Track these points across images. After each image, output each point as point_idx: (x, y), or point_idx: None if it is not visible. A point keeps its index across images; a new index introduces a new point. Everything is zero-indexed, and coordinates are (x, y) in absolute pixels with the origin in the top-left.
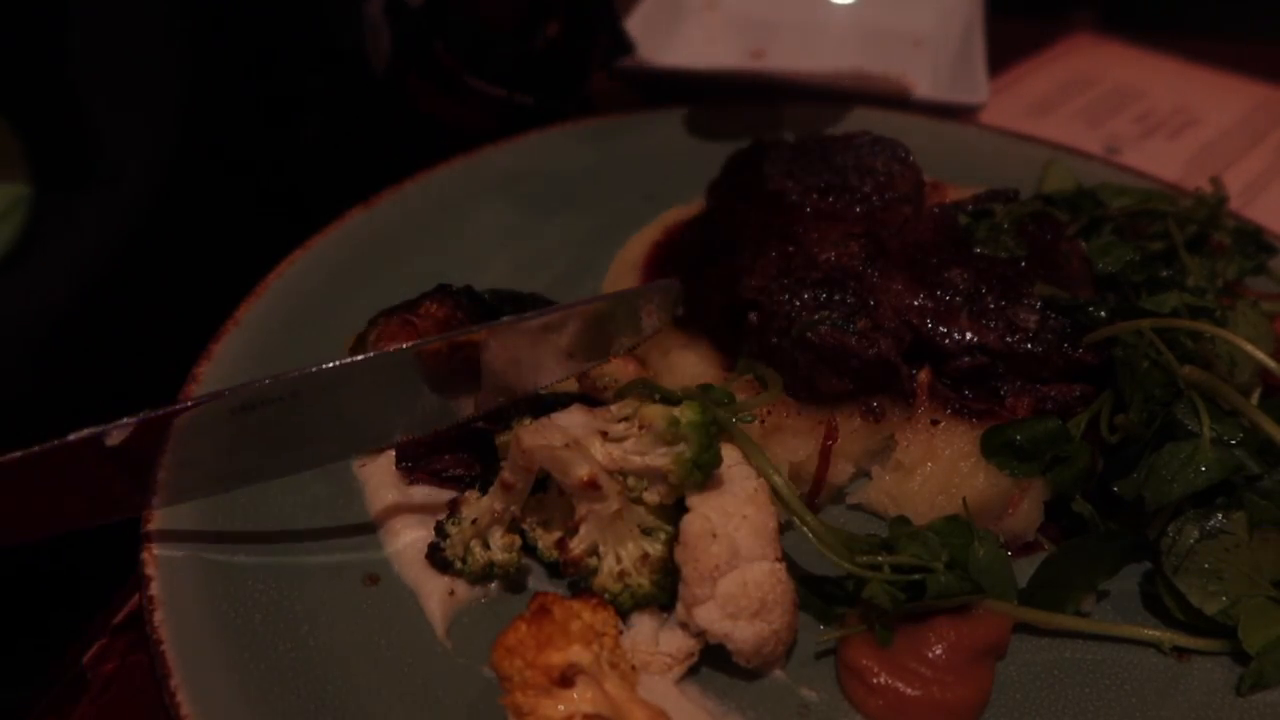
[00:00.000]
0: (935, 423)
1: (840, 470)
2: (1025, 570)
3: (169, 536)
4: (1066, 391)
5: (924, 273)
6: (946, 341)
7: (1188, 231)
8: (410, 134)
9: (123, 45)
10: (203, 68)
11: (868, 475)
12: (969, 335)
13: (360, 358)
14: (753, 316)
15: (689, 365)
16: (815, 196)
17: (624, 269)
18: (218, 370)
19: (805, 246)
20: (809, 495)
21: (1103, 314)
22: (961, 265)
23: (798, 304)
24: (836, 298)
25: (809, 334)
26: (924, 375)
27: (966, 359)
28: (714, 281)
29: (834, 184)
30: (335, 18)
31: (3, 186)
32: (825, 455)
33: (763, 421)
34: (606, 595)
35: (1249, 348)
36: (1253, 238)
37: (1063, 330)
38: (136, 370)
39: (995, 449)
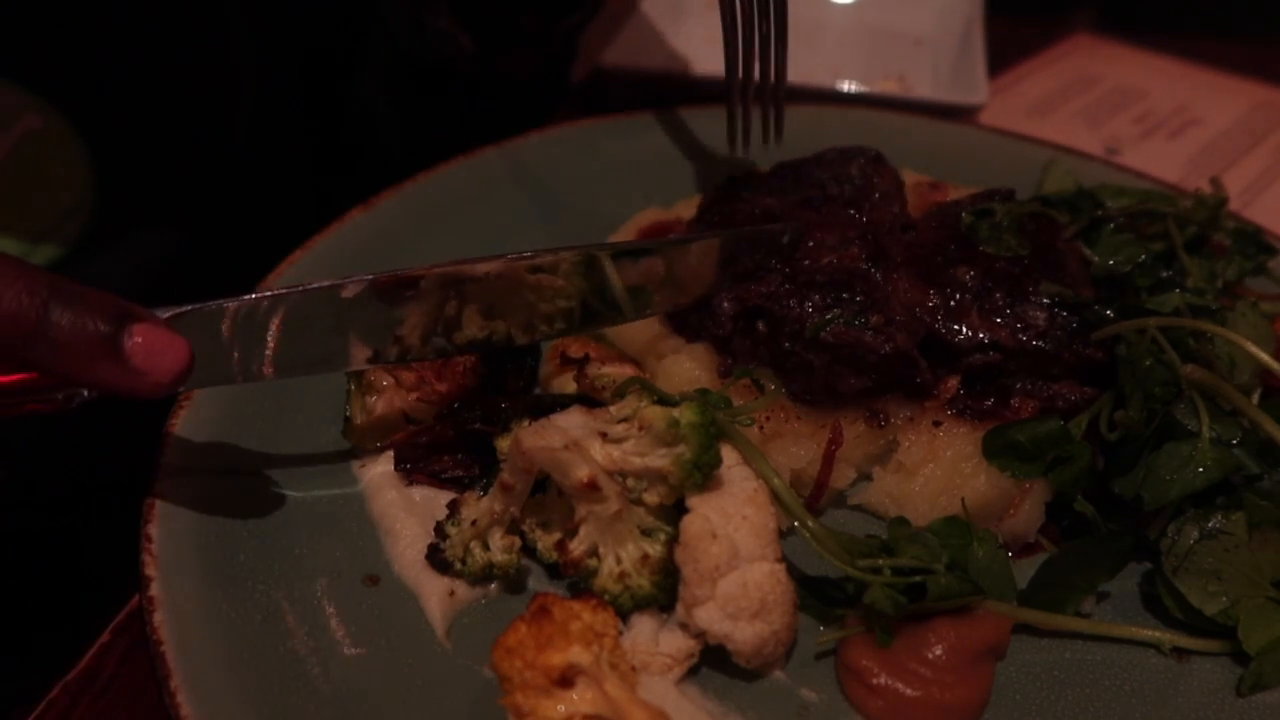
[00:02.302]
0: (937, 424)
1: (842, 475)
2: (1026, 572)
3: (169, 537)
4: (1076, 391)
5: (930, 271)
6: (959, 339)
7: (1187, 232)
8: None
9: (189, 63)
10: (260, 93)
11: (869, 477)
12: (981, 332)
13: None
14: (761, 325)
15: (683, 371)
16: (800, 210)
17: None
18: None
19: (806, 253)
20: (810, 499)
21: (1109, 312)
22: (968, 264)
23: (807, 307)
24: (845, 296)
25: (823, 334)
26: (953, 383)
27: (979, 356)
28: (722, 293)
29: (815, 197)
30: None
31: (67, 191)
32: (829, 459)
33: (761, 428)
34: (606, 596)
35: (1251, 348)
36: (1253, 239)
37: (1071, 327)
38: None
39: (997, 450)
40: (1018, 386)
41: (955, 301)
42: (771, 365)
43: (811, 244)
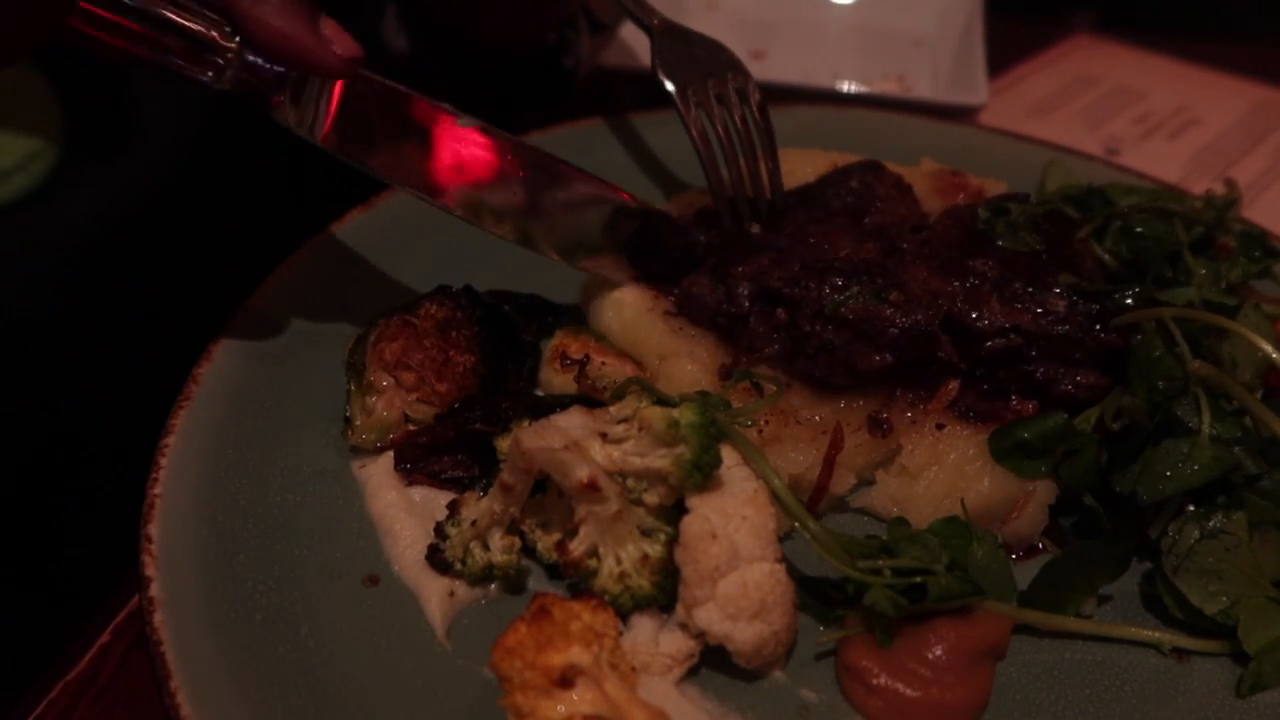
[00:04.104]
0: (940, 427)
1: (842, 480)
2: (1030, 574)
3: (169, 537)
4: (1097, 378)
5: (948, 263)
6: (983, 323)
7: (1193, 233)
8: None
9: None
10: None
11: (870, 482)
12: (1002, 317)
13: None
14: (780, 312)
15: (683, 374)
16: (807, 227)
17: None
18: (218, 370)
19: (824, 252)
20: (809, 503)
21: (1128, 301)
22: (985, 257)
23: (827, 290)
24: (865, 279)
25: (843, 309)
26: (953, 385)
27: (999, 340)
28: (742, 276)
29: (820, 215)
30: None
31: (31, 137)
32: (829, 464)
33: (760, 431)
34: (606, 596)
35: (1266, 345)
36: (1259, 242)
37: (1092, 313)
38: (136, 364)
39: (1004, 450)
40: (1039, 373)
41: (975, 289)
42: (789, 350)
43: (828, 246)
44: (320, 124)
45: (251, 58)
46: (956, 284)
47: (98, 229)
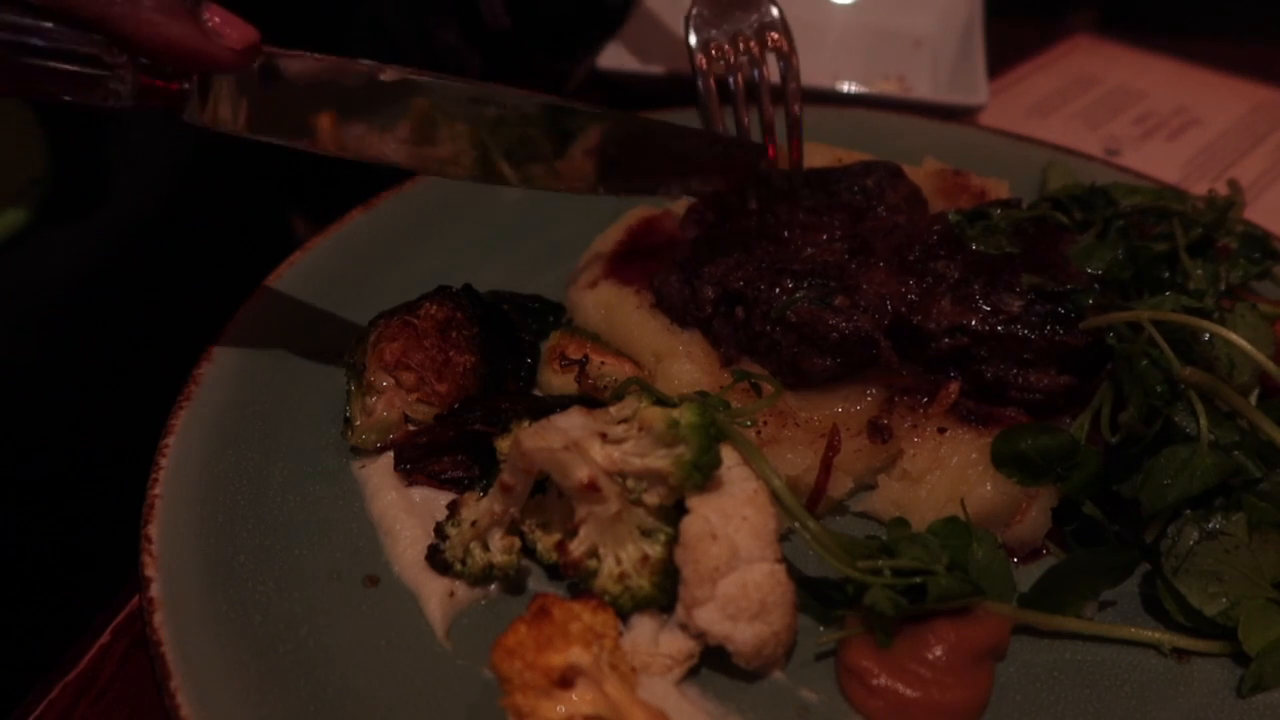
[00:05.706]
0: (942, 431)
1: (840, 484)
2: (1032, 578)
3: (169, 537)
4: (1053, 381)
5: (912, 264)
6: (930, 324)
7: (1192, 234)
8: None
9: None
10: None
11: (872, 486)
12: (949, 317)
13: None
14: (739, 311)
15: (682, 374)
16: (803, 215)
17: (593, 261)
18: (218, 370)
19: (792, 248)
20: (807, 505)
21: (1090, 301)
22: (949, 258)
23: (777, 290)
24: (818, 281)
25: (788, 312)
26: (954, 388)
27: (946, 340)
28: (707, 278)
29: (824, 203)
30: None
31: (19, 171)
32: (826, 467)
33: (759, 432)
34: (606, 597)
35: (1249, 348)
36: (1260, 243)
37: (1047, 315)
38: (137, 367)
39: (1005, 460)
40: (989, 374)
41: (928, 289)
42: (748, 349)
43: (802, 241)
44: (237, 115)
45: (146, 66)
46: (912, 284)
47: (91, 257)
